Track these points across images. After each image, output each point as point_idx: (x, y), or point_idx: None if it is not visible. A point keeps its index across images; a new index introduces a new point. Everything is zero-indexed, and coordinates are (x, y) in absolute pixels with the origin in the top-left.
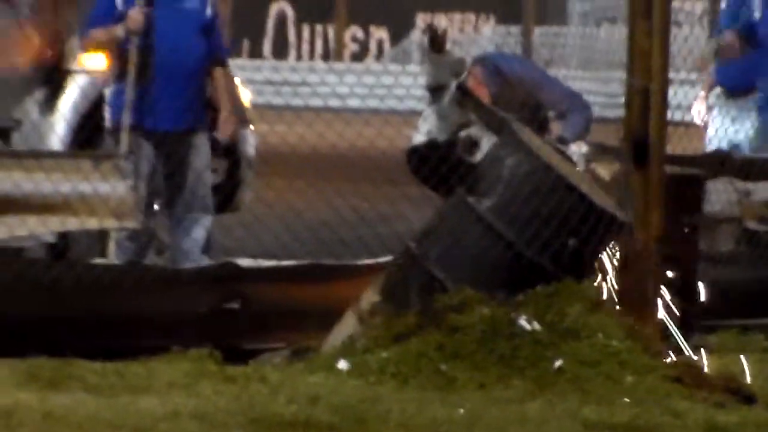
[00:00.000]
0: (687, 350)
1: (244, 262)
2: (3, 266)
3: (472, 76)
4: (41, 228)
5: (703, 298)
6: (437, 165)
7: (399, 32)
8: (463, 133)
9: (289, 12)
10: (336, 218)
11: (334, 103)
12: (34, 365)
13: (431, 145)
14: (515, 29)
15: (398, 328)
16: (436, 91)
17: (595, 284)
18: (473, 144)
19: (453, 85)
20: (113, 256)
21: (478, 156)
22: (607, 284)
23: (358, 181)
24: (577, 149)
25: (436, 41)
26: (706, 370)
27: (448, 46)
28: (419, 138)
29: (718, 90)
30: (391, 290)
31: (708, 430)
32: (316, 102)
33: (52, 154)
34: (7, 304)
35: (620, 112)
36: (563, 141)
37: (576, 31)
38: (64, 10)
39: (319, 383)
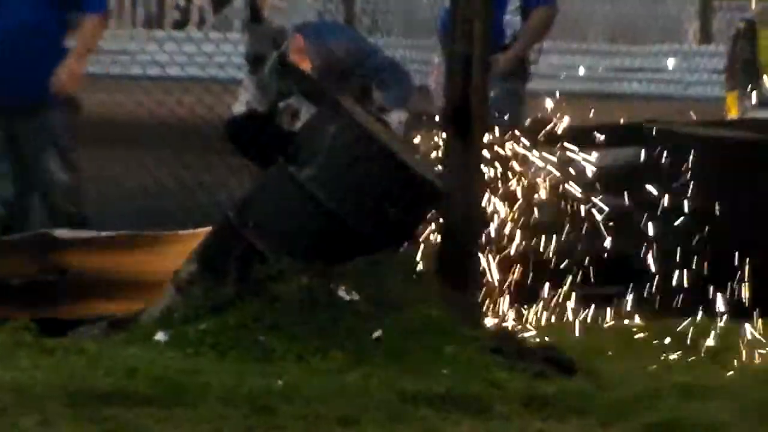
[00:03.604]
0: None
1: (62, 232)
2: None
3: (293, 45)
4: None
5: None
6: (256, 135)
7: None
8: (282, 103)
9: None
10: (156, 187)
11: (153, 71)
12: None
13: (251, 115)
14: None
15: (217, 298)
16: (255, 61)
17: (416, 254)
18: (293, 114)
19: (273, 55)
20: None
21: (298, 126)
22: (428, 254)
23: (179, 149)
24: (397, 117)
25: (255, 11)
26: (526, 341)
27: (269, 14)
28: (239, 108)
29: None
30: (209, 260)
31: (528, 401)
32: (136, 70)
33: None
34: None
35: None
36: (383, 109)
37: None
38: None
39: (138, 355)
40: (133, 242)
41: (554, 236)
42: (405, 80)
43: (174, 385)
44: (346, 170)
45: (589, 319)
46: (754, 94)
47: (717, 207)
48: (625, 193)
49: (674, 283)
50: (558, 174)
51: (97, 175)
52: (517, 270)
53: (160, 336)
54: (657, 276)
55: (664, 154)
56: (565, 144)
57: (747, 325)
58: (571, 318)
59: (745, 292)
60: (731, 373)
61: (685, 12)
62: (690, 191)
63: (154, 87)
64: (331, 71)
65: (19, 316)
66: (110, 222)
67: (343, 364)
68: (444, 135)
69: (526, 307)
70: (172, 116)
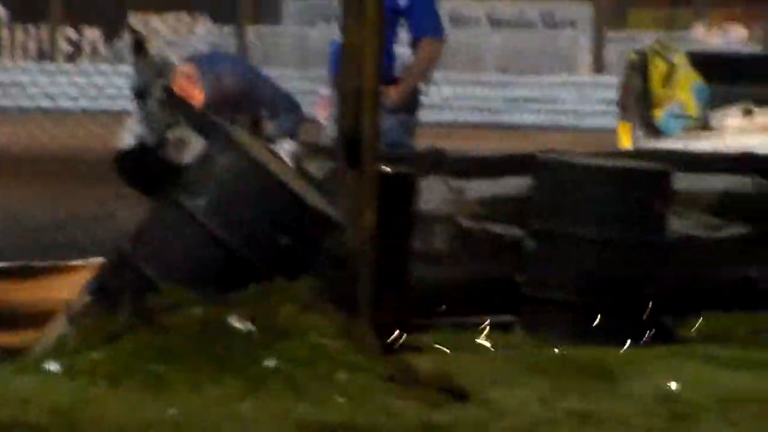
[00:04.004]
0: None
1: None
2: None
3: (186, 76)
4: None
5: None
6: (146, 168)
7: (112, 32)
8: (171, 135)
9: (2, 13)
10: (49, 219)
11: (45, 103)
12: None
13: (140, 148)
14: (229, 29)
15: (110, 328)
16: (142, 94)
17: (309, 283)
18: (182, 145)
19: (159, 87)
20: None
21: (188, 157)
22: (321, 283)
23: (71, 181)
24: (289, 148)
25: (139, 44)
26: (420, 369)
27: (161, 47)
28: (128, 140)
29: None
30: (103, 291)
31: (422, 429)
32: (27, 103)
33: None
34: None
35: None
36: (274, 140)
37: (290, 31)
38: None
39: (30, 385)
40: (25, 273)
41: (448, 264)
42: (296, 111)
43: (67, 415)
44: (237, 200)
45: (483, 347)
46: (645, 124)
47: (610, 235)
48: (519, 221)
49: (568, 310)
50: (451, 203)
51: None
52: (412, 298)
53: (53, 366)
54: (550, 303)
55: (557, 184)
56: (458, 173)
57: (638, 351)
58: (465, 345)
59: (638, 319)
60: (624, 399)
61: (577, 43)
62: (583, 220)
63: (46, 119)
64: (222, 101)
65: None
66: (3, 254)
67: (237, 392)
68: (337, 165)
69: (420, 335)
70: (64, 149)
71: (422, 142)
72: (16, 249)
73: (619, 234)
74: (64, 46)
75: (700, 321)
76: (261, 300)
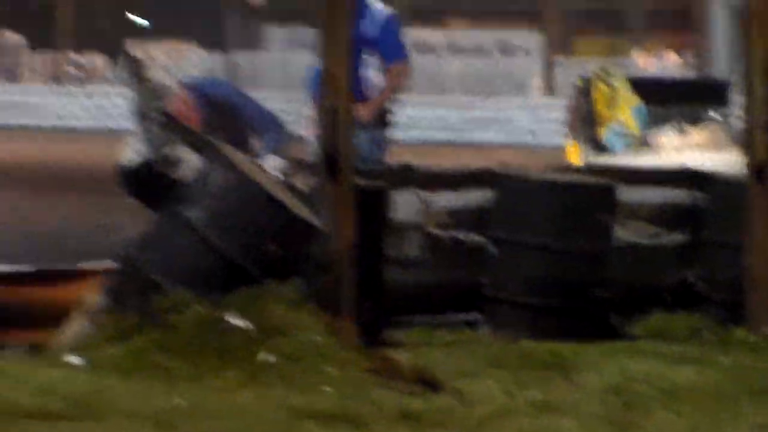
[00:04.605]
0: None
1: None
2: None
3: (182, 100)
4: None
5: None
6: (147, 182)
7: (116, 58)
8: (168, 152)
9: (21, 40)
10: (62, 227)
11: (56, 122)
12: None
13: (141, 163)
14: (218, 55)
15: (122, 326)
16: (143, 114)
17: (296, 286)
18: (177, 162)
19: (158, 109)
20: None
21: (184, 173)
22: (308, 286)
23: (81, 193)
24: (274, 163)
25: (138, 70)
26: (398, 362)
27: (158, 72)
28: (130, 158)
29: None
30: (115, 293)
31: (402, 416)
32: (40, 121)
33: None
34: None
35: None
36: (261, 156)
37: (276, 57)
38: None
39: (53, 376)
40: (43, 276)
41: (420, 268)
42: (280, 129)
43: (86, 404)
44: (231, 212)
45: (453, 342)
46: (590, 142)
47: (562, 243)
48: (480, 230)
49: (526, 310)
50: (420, 213)
51: (7, 216)
52: (388, 299)
53: (73, 360)
54: (510, 303)
55: (514, 196)
56: (426, 186)
57: (590, 347)
58: (437, 341)
59: (589, 318)
60: (579, 390)
61: (529, 68)
62: (538, 229)
63: (57, 136)
64: (215, 121)
65: None
66: (22, 259)
67: (236, 383)
68: (318, 179)
69: (397, 332)
70: (73, 163)
71: (393, 158)
72: (33, 254)
73: (570, 242)
74: (73, 71)
75: (644, 320)
76: (254, 301)
